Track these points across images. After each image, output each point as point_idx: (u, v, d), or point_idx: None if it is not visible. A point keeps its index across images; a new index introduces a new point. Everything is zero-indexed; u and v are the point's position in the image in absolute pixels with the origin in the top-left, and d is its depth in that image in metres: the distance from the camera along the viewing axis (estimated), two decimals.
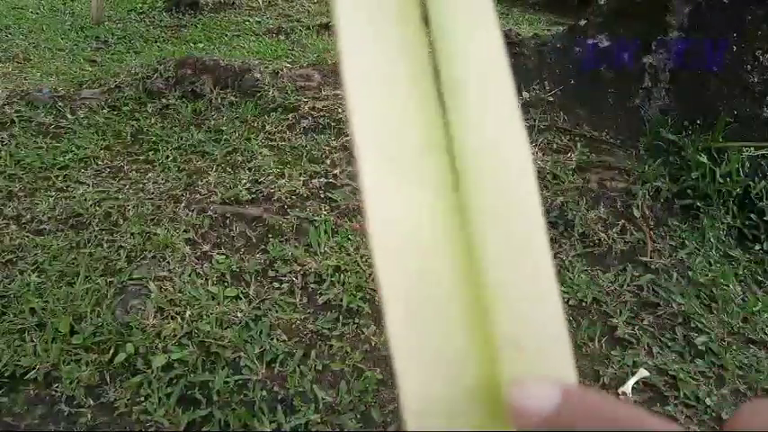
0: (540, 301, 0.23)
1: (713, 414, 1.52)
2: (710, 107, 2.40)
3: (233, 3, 4.85)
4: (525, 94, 2.63)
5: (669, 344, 1.71)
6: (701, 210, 2.20)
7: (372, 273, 1.75)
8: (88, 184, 2.10)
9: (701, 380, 1.61)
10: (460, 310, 0.24)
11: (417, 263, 0.23)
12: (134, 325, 1.54)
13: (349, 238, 1.89)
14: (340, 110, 2.51)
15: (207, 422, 1.36)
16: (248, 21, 4.43)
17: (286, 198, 2.03)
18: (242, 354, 1.49)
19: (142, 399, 1.39)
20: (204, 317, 1.57)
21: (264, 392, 1.42)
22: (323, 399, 1.42)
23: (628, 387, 1.55)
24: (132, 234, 1.84)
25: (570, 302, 1.79)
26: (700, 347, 1.71)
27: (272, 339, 1.54)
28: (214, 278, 1.71)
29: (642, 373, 1.58)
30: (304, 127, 2.44)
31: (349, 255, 1.82)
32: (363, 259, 1.81)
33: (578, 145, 2.45)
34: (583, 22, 2.73)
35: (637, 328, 1.74)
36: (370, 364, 1.52)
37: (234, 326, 1.56)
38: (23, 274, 1.69)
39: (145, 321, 1.55)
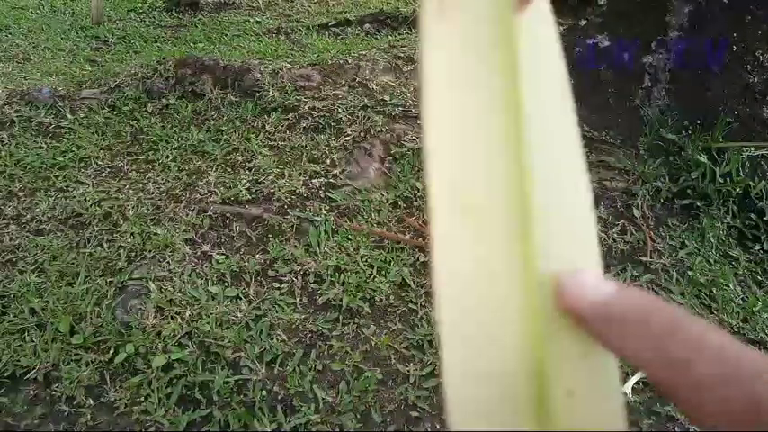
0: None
1: None
2: (710, 107, 2.40)
3: (233, 3, 4.85)
4: None
5: None
6: (701, 210, 2.20)
7: (372, 273, 1.75)
8: (88, 184, 2.10)
9: None
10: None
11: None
12: (134, 325, 1.54)
13: (349, 238, 1.89)
14: (340, 110, 2.51)
15: (207, 422, 1.36)
16: (248, 21, 4.43)
17: (286, 198, 2.03)
18: (242, 354, 1.49)
19: (142, 399, 1.39)
20: (204, 317, 1.57)
21: (264, 392, 1.42)
22: (323, 399, 1.42)
23: (628, 387, 1.55)
24: (132, 234, 1.84)
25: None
26: None
27: (272, 339, 1.54)
28: (214, 278, 1.71)
29: (642, 372, 1.58)
30: (304, 127, 2.44)
31: (349, 255, 1.82)
32: (363, 259, 1.81)
33: None
34: (583, 22, 2.73)
35: None
36: (370, 364, 1.52)
37: (234, 326, 1.56)
38: (23, 274, 1.69)
39: (145, 321, 1.55)
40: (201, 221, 1.91)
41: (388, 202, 2.07)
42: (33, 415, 1.35)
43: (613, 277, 1.92)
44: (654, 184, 2.25)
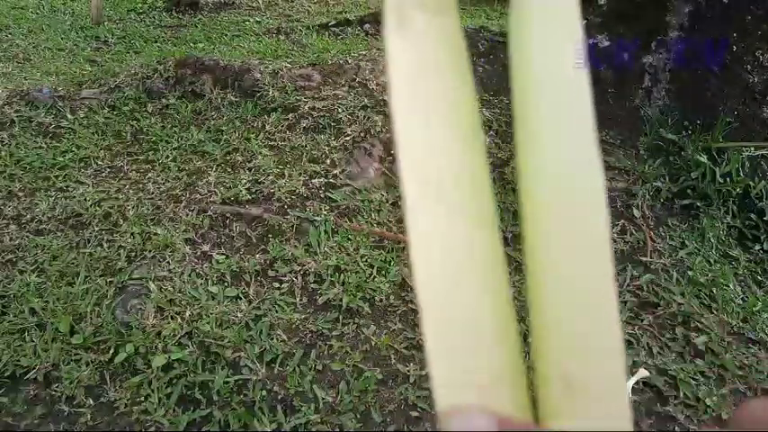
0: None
1: (713, 414, 1.52)
2: (710, 107, 2.40)
3: (233, 3, 4.85)
4: None
5: (669, 344, 1.71)
6: (701, 210, 2.20)
7: (372, 273, 1.75)
8: (88, 184, 2.10)
9: (701, 380, 1.61)
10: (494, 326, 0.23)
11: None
12: (134, 325, 1.54)
13: (349, 238, 1.89)
14: (340, 110, 2.51)
15: (207, 422, 1.36)
16: (248, 21, 4.43)
17: (286, 198, 2.03)
18: (242, 354, 1.49)
19: (142, 399, 1.39)
20: (204, 317, 1.57)
21: (264, 392, 1.42)
22: (323, 399, 1.42)
23: (627, 387, 1.55)
24: (132, 234, 1.84)
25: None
26: (700, 347, 1.71)
27: (272, 339, 1.54)
28: (214, 278, 1.71)
29: (642, 372, 1.58)
30: (304, 127, 2.44)
31: (349, 255, 1.82)
32: (363, 259, 1.81)
33: None
34: (583, 22, 2.73)
35: (637, 327, 1.74)
36: (370, 364, 1.52)
37: (234, 326, 1.56)
38: (23, 274, 1.69)
39: (145, 321, 1.55)
40: (201, 221, 1.91)
41: (388, 202, 2.07)
42: (33, 415, 1.35)
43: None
44: (654, 184, 2.25)
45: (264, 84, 2.66)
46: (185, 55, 3.00)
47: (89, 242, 1.82)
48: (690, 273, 1.97)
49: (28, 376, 1.41)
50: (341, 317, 1.63)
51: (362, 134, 2.37)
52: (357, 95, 2.65)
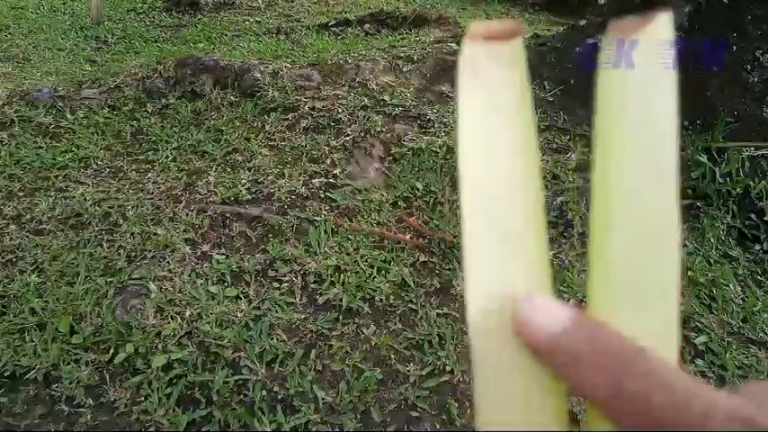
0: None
1: None
2: (710, 107, 2.40)
3: (233, 3, 4.85)
4: None
5: None
6: (701, 210, 2.20)
7: (372, 273, 1.75)
8: (88, 184, 2.10)
9: (701, 380, 1.61)
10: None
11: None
12: (134, 325, 1.54)
13: (349, 238, 1.89)
14: (340, 110, 2.51)
15: (207, 422, 1.36)
16: (248, 21, 4.43)
17: (286, 198, 2.03)
18: (242, 354, 1.49)
19: (142, 399, 1.38)
20: (204, 317, 1.57)
21: (264, 392, 1.42)
22: (323, 399, 1.42)
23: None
24: (132, 234, 1.84)
25: (570, 302, 1.79)
26: (700, 347, 1.71)
27: (272, 339, 1.54)
28: (214, 278, 1.71)
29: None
30: (304, 127, 2.44)
31: (349, 255, 1.82)
32: (363, 259, 1.81)
33: (578, 145, 2.45)
34: (583, 22, 2.73)
35: None
36: (370, 364, 1.52)
37: (234, 326, 1.56)
38: (23, 274, 1.69)
39: (145, 321, 1.55)
40: (201, 221, 1.91)
41: (388, 202, 2.07)
42: (33, 415, 1.35)
43: None
44: None
45: (264, 84, 2.66)
46: (185, 55, 3.00)
47: (89, 242, 1.82)
48: (690, 273, 1.97)
49: (28, 376, 1.41)
50: (341, 317, 1.63)
51: (362, 134, 2.37)
52: (357, 95, 2.65)
